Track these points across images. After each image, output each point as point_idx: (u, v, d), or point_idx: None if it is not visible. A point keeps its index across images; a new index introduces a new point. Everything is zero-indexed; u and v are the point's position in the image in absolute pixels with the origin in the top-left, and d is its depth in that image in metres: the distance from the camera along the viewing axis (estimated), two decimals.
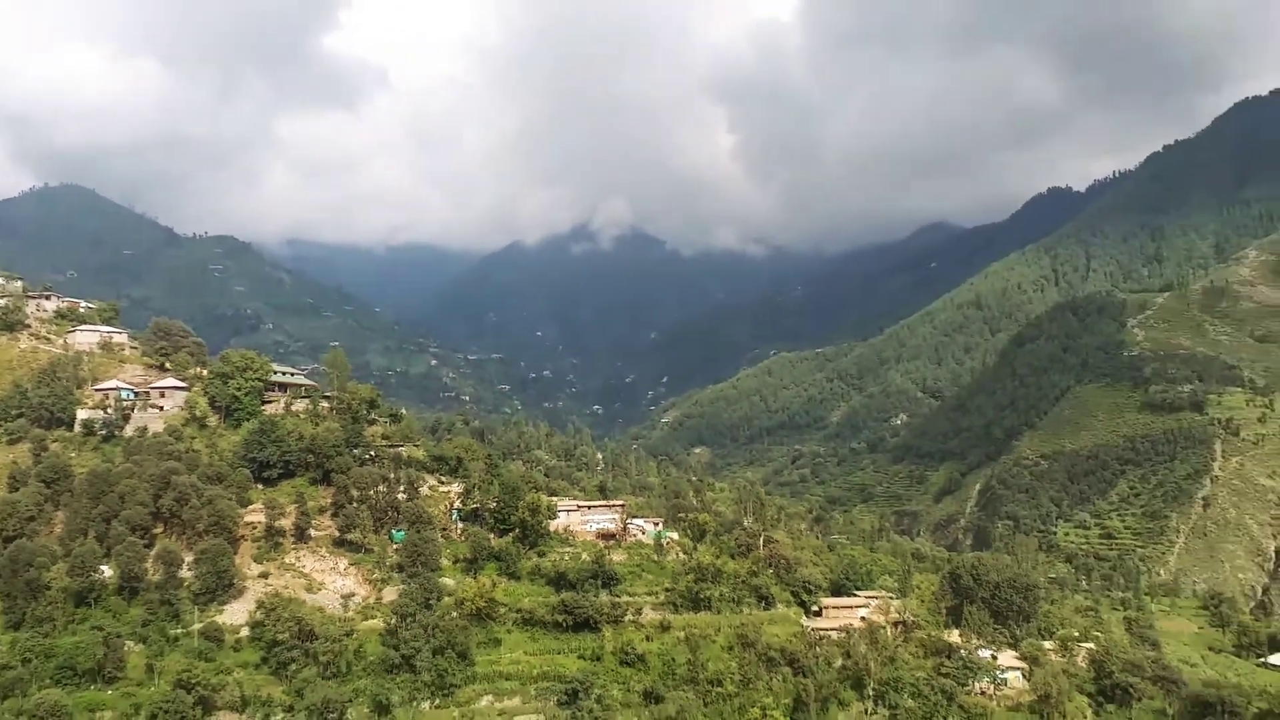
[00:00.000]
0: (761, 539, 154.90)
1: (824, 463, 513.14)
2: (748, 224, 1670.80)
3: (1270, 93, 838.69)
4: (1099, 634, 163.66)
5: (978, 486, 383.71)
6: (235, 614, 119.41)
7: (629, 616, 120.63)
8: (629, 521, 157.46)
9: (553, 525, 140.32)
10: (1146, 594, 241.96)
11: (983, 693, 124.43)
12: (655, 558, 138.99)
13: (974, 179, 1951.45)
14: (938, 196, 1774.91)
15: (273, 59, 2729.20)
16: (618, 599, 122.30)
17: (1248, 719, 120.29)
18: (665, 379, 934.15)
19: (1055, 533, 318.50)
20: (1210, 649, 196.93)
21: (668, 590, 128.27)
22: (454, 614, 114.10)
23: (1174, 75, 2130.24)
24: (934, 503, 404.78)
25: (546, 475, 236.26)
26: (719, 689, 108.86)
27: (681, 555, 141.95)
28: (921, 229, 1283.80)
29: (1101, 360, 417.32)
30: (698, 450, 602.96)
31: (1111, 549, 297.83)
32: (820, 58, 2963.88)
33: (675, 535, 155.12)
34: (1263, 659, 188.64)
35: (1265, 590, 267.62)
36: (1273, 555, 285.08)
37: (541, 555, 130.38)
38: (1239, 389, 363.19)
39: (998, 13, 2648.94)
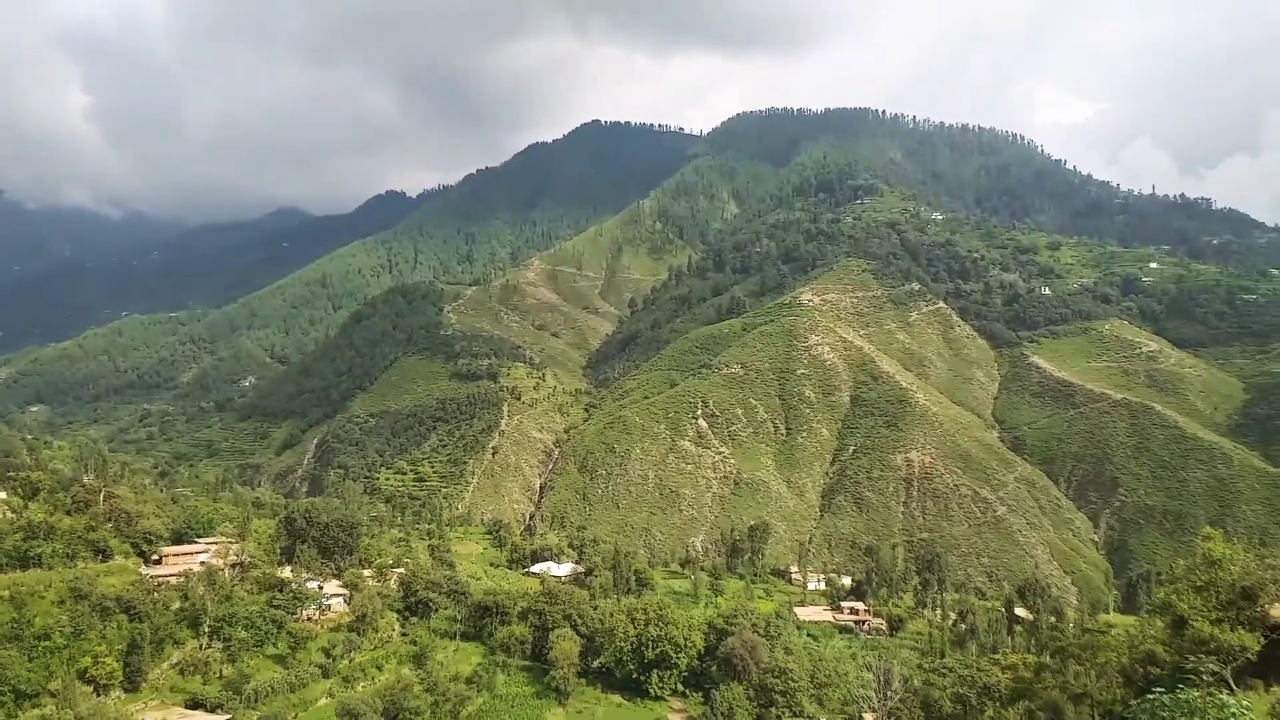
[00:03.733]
0: (102, 495, 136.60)
1: (173, 421, 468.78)
2: (103, 185, 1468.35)
3: (553, 140, 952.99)
4: (408, 560, 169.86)
5: (315, 441, 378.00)
6: None
7: None
8: None
9: None
10: (447, 525, 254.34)
11: (309, 618, 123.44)
12: None
13: (324, 173, 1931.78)
14: (292, 184, 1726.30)
15: None
16: None
17: (514, 615, 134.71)
18: (0, 334, 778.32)
19: (379, 478, 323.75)
20: (491, 564, 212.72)
21: None
22: None
23: (486, 113, 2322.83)
24: (276, 456, 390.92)
25: None
26: (47, 643, 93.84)
27: (10, 514, 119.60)
28: (276, 211, 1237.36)
29: (423, 337, 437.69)
30: (35, 409, 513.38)
31: (423, 490, 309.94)
32: (186, 39, 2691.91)
33: (4, 495, 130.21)
34: (527, 569, 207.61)
35: (531, 516, 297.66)
36: (538, 490, 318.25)
37: None
38: (522, 364, 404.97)
39: (344, 33, 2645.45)
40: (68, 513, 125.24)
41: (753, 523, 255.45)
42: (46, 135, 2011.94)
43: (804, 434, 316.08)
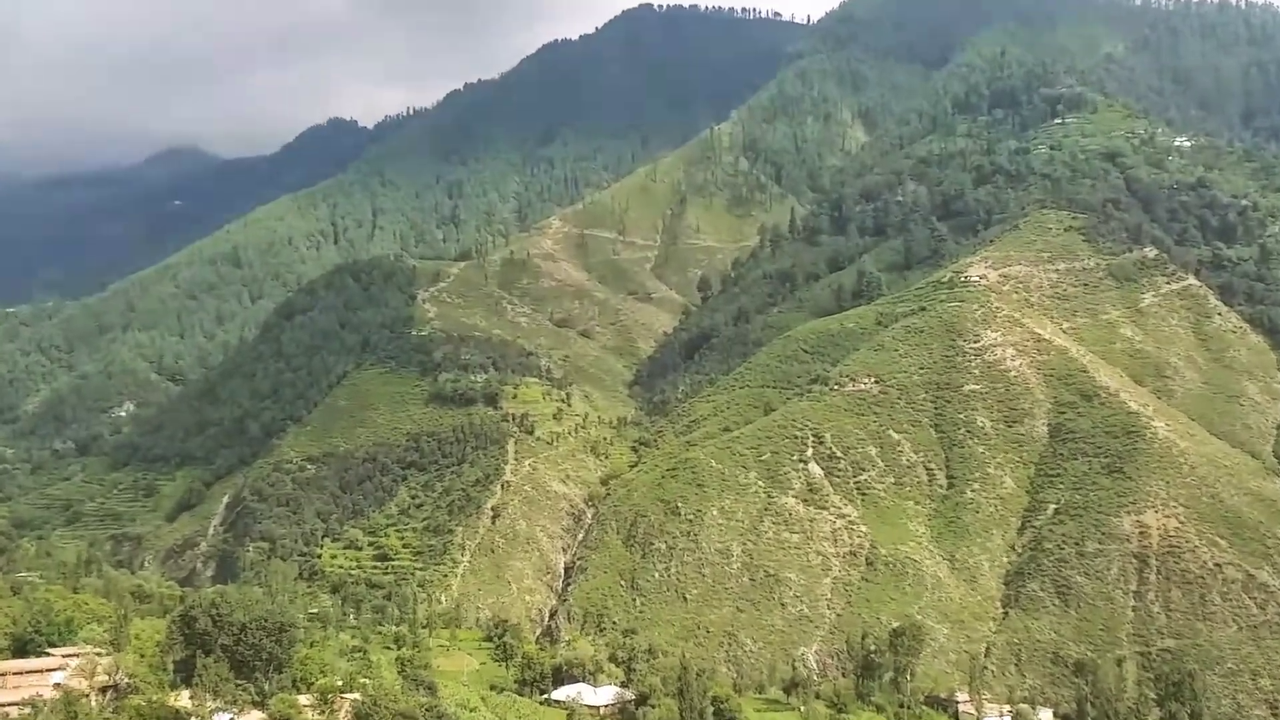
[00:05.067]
0: None
1: (11, 470, 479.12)
2: None
3: (580, 38, 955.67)
4: (367, 681, 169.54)
5: (225, 500, 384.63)
6: None
7: None
8: None
9: None
10: (425, 627, 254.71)
11: None
12: None
13: (234, 94, 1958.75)
14: (186, 112, 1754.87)
15: None
16: None
17: None
18: None
19: (321, 555, 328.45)
20: (492, 687, 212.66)
21: None
22: None
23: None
24: (167, 522, 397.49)
25: None
26: None
27: None
28: (164, 153, 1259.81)
29: (386, 340, 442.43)
30: None
31: (387, 573, 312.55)
32: None
33: None
34: (546, 695, 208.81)
35: (552, 614, 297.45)
36: (562, 572, 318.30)
37: None
38: (536, 380, 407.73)
39: None
40: None
41: (896, 624, 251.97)
42: None
43: (975, 485, 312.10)
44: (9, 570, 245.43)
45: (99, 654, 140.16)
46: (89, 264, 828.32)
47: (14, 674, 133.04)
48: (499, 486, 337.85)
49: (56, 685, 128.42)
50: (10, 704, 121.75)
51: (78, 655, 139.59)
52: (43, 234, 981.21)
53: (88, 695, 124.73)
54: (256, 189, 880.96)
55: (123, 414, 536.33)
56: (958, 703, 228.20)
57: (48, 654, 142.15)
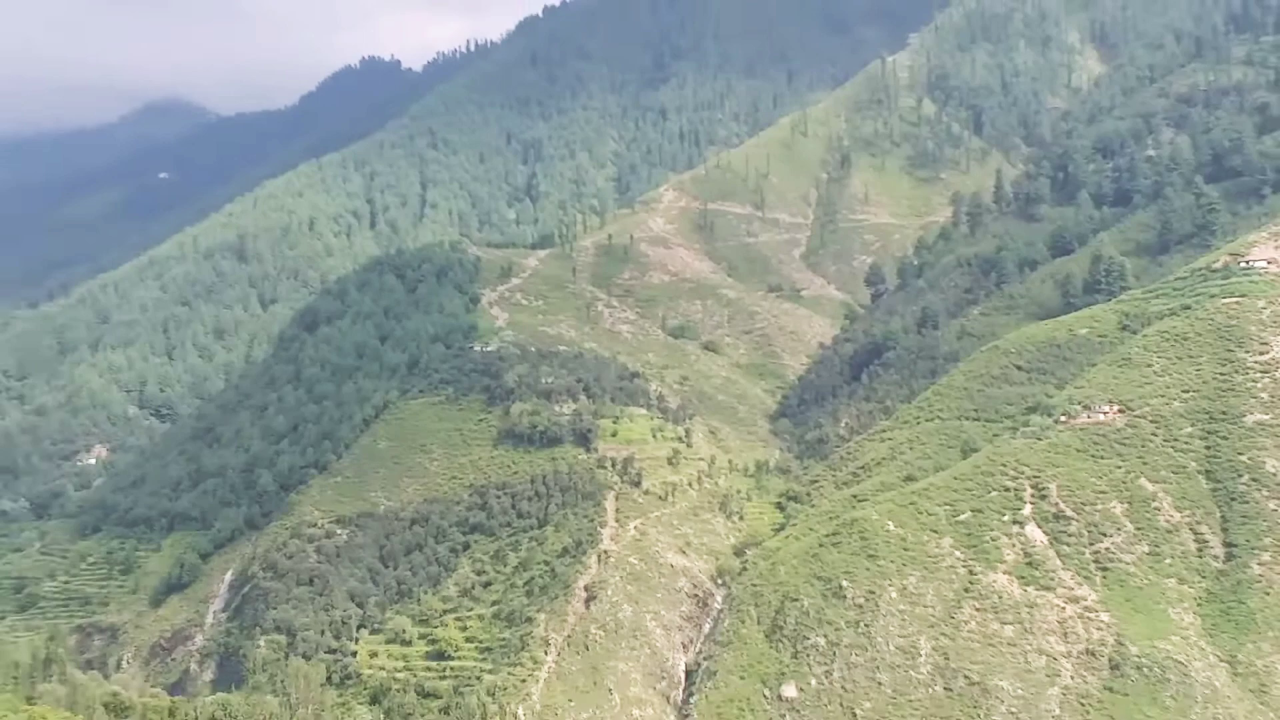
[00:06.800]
0: None
1: None
2: None
3: None
4: None
5: (228, 578, 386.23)
6: None
7: None
8: None
9: None
10: None
11: None
12: None
13: (235, 32, 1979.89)
14: (172, 58, 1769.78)
15: None
16: None
17: None
18: None
19: (355, 653, 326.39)
20: None
21: None
22: None
23: None
24: (151, 608, 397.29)
25: None
26: None
27: None
28: (143, 109, 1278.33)
29: (441, 358, 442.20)
30: None
31: (445, 676, 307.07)
32: None
33: None
34: None
35: None
36: (682, 677, 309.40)
37: None
38: (644, 411, 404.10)
39: None
40: None
41: None
42: None
43: (1265, 556, 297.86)
44: None
45: None
46: (46, 258, 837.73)
47: None
48: (594, 558, 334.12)
49: None
50: None
51: None
52: None
53: None
54: (266, 155, 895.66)
55: (92, 462, 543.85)
56: None
57: None
